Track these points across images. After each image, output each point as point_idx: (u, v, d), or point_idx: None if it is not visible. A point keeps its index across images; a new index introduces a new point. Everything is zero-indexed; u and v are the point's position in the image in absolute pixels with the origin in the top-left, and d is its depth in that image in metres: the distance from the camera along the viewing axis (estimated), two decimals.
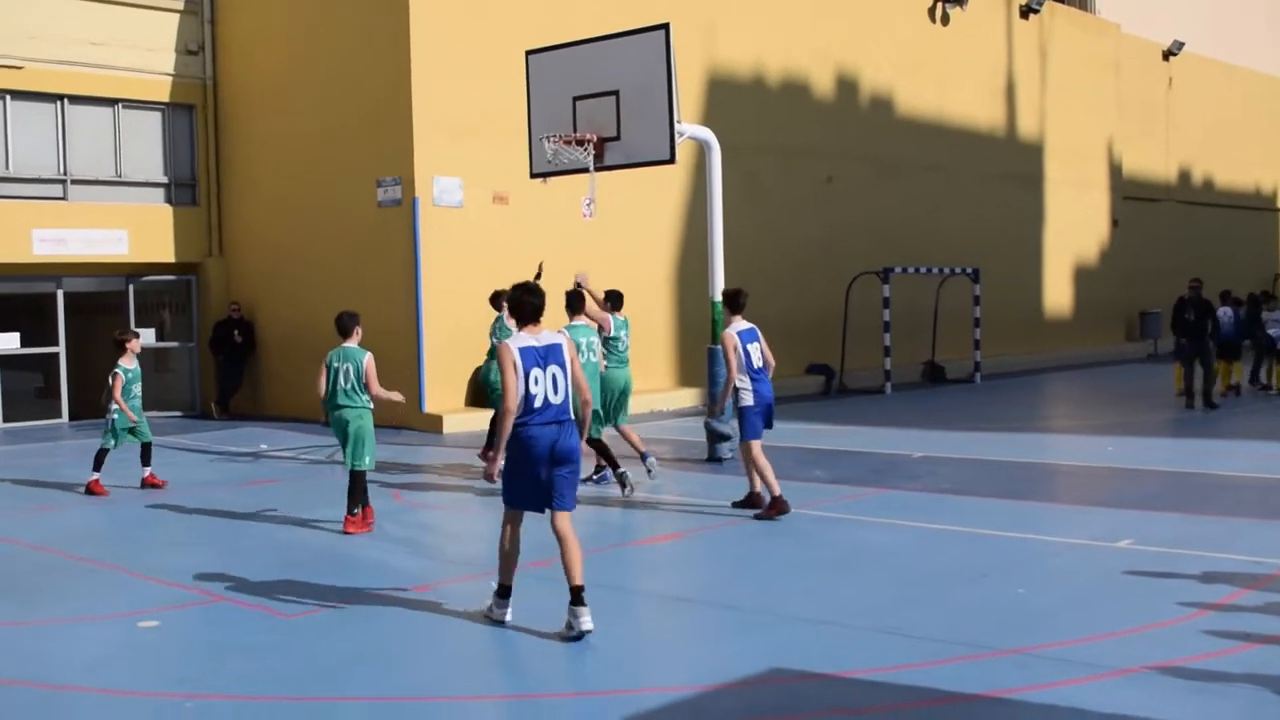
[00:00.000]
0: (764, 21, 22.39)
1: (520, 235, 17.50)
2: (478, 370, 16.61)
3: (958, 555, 8.86)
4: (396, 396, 10.05)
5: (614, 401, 12.06)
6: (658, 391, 19.69)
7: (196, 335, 20.75)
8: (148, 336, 19.22)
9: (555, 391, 6.87)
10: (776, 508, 10.19)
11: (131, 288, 20.17)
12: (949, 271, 24.27)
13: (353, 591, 7.98)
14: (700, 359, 16.23)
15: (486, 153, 17.60)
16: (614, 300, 12.42)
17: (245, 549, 9.38)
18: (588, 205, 13.81)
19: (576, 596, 6.78)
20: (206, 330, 20.33)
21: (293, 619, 7.40)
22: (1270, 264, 41.00)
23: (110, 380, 12.23)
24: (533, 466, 6.83)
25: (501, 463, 6.95)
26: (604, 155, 13.40)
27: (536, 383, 6.81)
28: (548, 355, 6.89)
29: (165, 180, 20.35)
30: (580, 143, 13.28)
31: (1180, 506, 10.59)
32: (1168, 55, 36.17)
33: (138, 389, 12.37)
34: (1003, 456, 13.88)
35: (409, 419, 16.84)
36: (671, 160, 13.14)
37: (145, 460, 12.59)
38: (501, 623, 7.08)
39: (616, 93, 13.18)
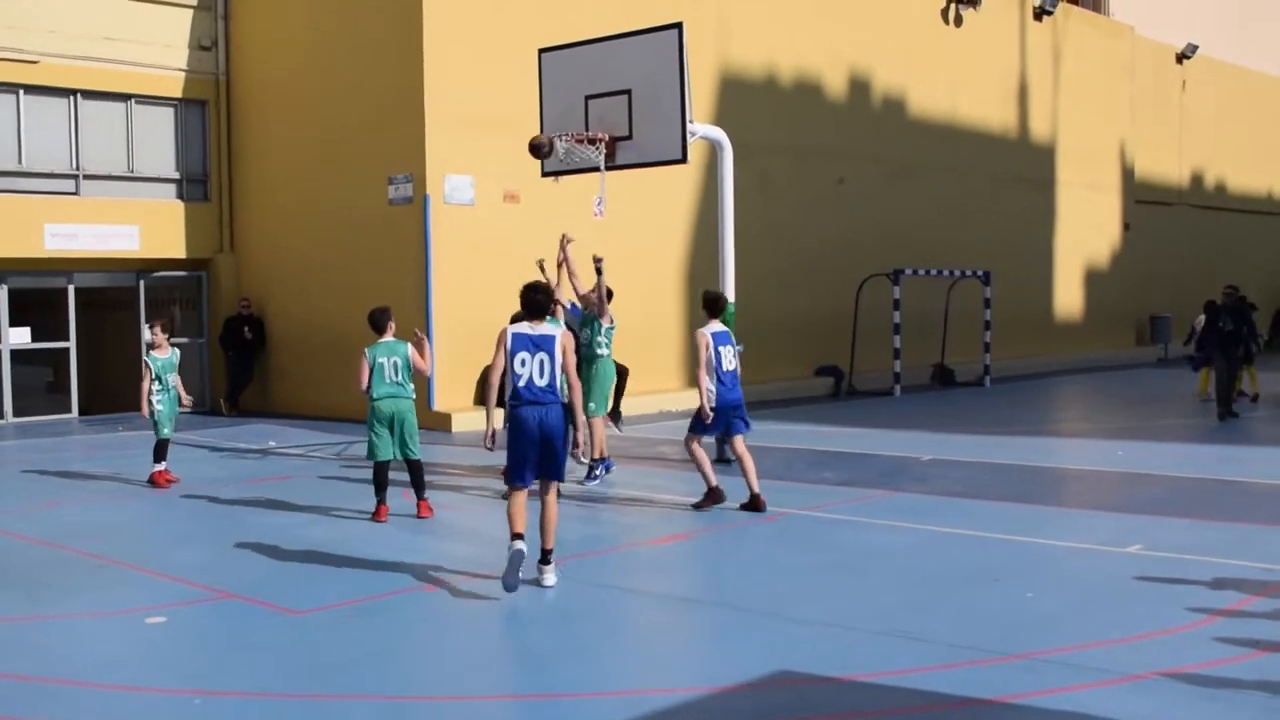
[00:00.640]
0: (777, 22, 22.36)
1: (531, 234, 17.46)
2: (487, 368, 16.56)
3: (967, 559, 8.84)
4: (426, 367, 10.68)
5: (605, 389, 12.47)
6: (667, 392, 19.66)
7: (207, 331, 20.80)
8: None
9: (541, 375, 7.78)
10: (712, 498, 10.62)
11: (142, 283, 20.22)
12: (960, 274, 24.23)
13: (361, 589, 7.99)
14: None
15: (498, 151, 17.60)
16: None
17: (253, 546, 9.39)
18: (598, 204, 13.79)
19: (545, 557, 7.91)
20: (217, 326, 20.38)
21: (301, 616, 7.41)
22: None
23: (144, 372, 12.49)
24: (521, 444, 7.79)
25: (492, 430, 8.05)
26: (615, 154, 13.38)
27: (523, 364, 7.80)
28: (540, 343, 7.82)
29: (177, 176, 20.40)
30: (592, 141, 13.27)
31: (1190, 512, 10.55)
32: (1181, 58, 36.01)
33: (172, 378, 12.42)
34: (1012, 460, 13.84)
35: (417, 416, 16.78)
36: (683, 160, 13.12)
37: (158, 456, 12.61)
38: (520, 554, 7.52)
39: (629, 92, 13.15)
